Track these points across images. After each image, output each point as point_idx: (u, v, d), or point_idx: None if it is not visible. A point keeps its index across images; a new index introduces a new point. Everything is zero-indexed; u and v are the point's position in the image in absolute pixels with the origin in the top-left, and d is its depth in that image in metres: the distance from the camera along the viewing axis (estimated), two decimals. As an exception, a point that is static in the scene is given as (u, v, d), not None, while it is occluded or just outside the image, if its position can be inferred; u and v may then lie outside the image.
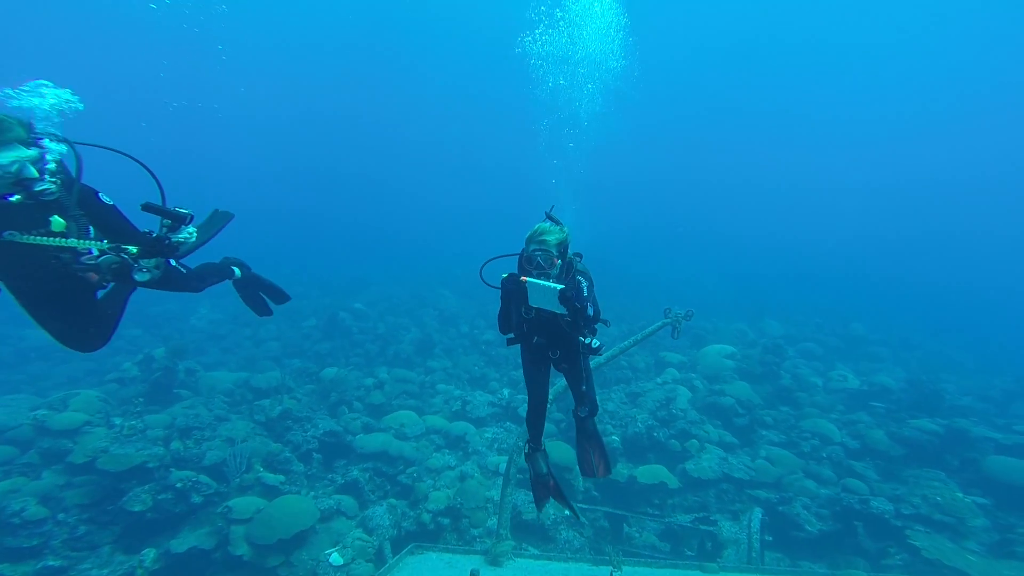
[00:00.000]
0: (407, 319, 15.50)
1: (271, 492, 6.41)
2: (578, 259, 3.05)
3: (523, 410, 9.10)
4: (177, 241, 2.47)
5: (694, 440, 7.85)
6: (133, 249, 2.33)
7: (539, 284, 2.59)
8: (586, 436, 3.25)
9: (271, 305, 3.76)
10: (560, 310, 2.60)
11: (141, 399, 7.68)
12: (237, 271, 3.59)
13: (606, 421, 8.57)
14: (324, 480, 7.10)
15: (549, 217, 2.94)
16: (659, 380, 9.84)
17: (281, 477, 6.68)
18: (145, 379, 8.65)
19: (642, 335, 6.01)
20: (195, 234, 2.58)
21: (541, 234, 2.75)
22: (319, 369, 10.61)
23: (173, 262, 2.69)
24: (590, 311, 2.70)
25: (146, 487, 5.84)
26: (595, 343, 2.87)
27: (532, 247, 2.76)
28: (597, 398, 3.27)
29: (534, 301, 2.63)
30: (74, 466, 6.09)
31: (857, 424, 8.63)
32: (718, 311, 16.69)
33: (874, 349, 14.51)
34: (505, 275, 2.79)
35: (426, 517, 6.43)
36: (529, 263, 2.77)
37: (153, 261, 2.37)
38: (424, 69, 42.97)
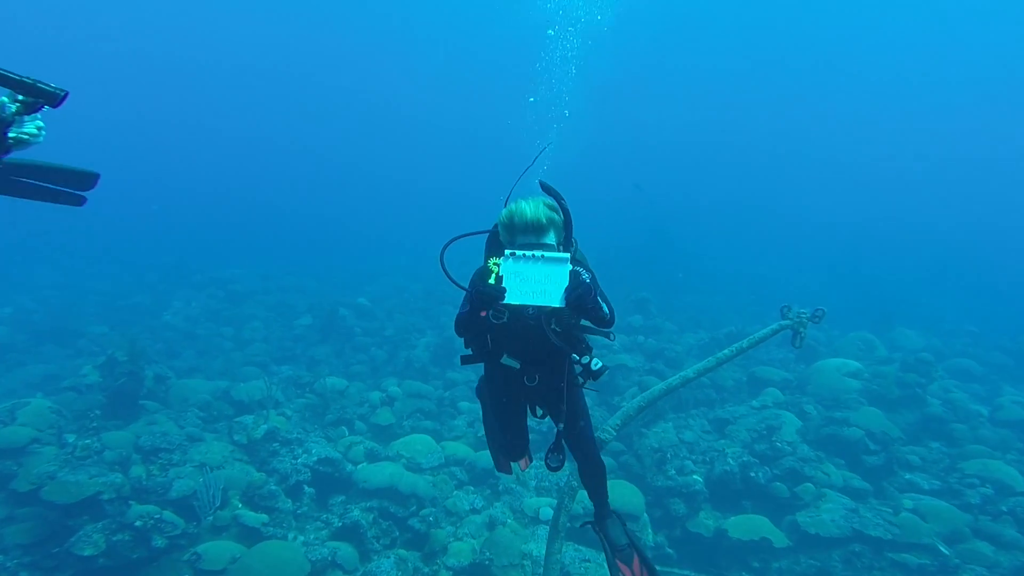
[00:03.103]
0: (421, 319, 15.43)
1: (251, 535, 6.31)
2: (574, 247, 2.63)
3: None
4: (18, 136, 1.92)
5: (808, 484, 7.49)
6: None
7: (532, 265, 2.14)
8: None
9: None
10: (557, 303, 2.14)
11: (98, 411, 7.77)
12: None
13: (683, 456, 8.15)
14: (317, 522, 7.00)
15: (544, 188, 2.51)
16: (755, 403, 9.44)
17: (264, 516, 6.60)
18: (106, 387, 8.79)
19: (749, 341, 5.52)
20: (43, 132, 2.00)
21: (536, 221, 2.29)
22: (314, 379, 10.63)
23: None
24: (606, 309, 2.32)
25: (99, 525, 5.80)
26: (596, 364, 2.43)
27: (522, 240, 2.33)
28: (600, 452, 2.91)
29: (516, 296, 2.16)
30: (17, 494, 6.14)
31: (1049, 469, 7.81)
32: (829, 316, 15.71)
33: (1059, 368, 13.26)
34: (490, 279, 2.30)
35: (444, 575, 6.18)
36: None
37: None
38: (426, 46, 44.62)
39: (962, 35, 37.77)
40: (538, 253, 2.16)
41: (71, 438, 7.32)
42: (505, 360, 2.52)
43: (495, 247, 2.64)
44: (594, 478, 2.88)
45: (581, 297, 2.13)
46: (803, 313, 5.90)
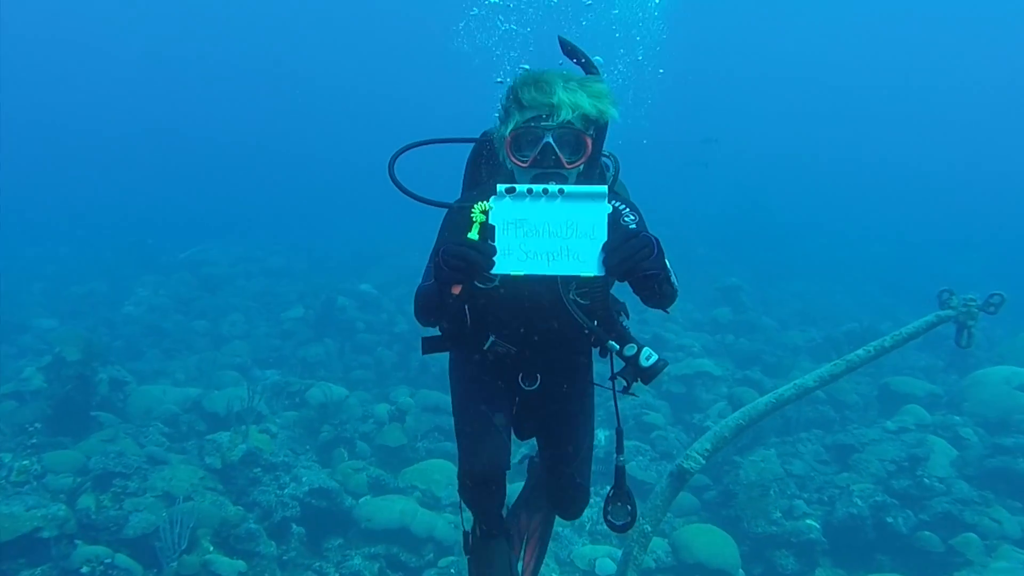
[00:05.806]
0: (439, 310, 15.40)
1: (224, 588, 6.24)
2: (612, 164, 2.26)
3: (637, 465, 8.51)
4: None
5: (971, 534, 7.27)
6: None
7: (544, 206, 1.69)
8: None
9: None
10: (593, 270, 1.67)
11: (39, 425, 7.92)
12: None
13: (792, 493, 7.99)
14: (308, 571, 6.95)
15: (566, 49, 2.14)
16: (890, 425, 9.31)
17: (241, 564, 6.52)
18: (51, 394, 9.00)
19: (894, 339, 5.26)
20: None
21: (560, 91, 1.83)
22: (305, 386, 10.70)
23: None
24: (674, 279, 1.86)
25: (37, 571, 5.81)
26: (649, 357, 1.98)
27: (538, 118, 1.85)
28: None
29: (516, 261, 1.72)
30: (-58, 529, 6.22)
31: None
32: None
33: None
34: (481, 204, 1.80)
35: (474, 649, 6.04)
36: (522, 146, 1.89)
37: None
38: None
39: None
40: (553, 187, 1.66)
41: (7, 458, 7.41)
42: (492, 346, 2.11)
43: (476, 172, 2.33)
44: (563, 511, 2.72)
45: (633, 258, 1.60)
46: (972, 301, 5.58)
